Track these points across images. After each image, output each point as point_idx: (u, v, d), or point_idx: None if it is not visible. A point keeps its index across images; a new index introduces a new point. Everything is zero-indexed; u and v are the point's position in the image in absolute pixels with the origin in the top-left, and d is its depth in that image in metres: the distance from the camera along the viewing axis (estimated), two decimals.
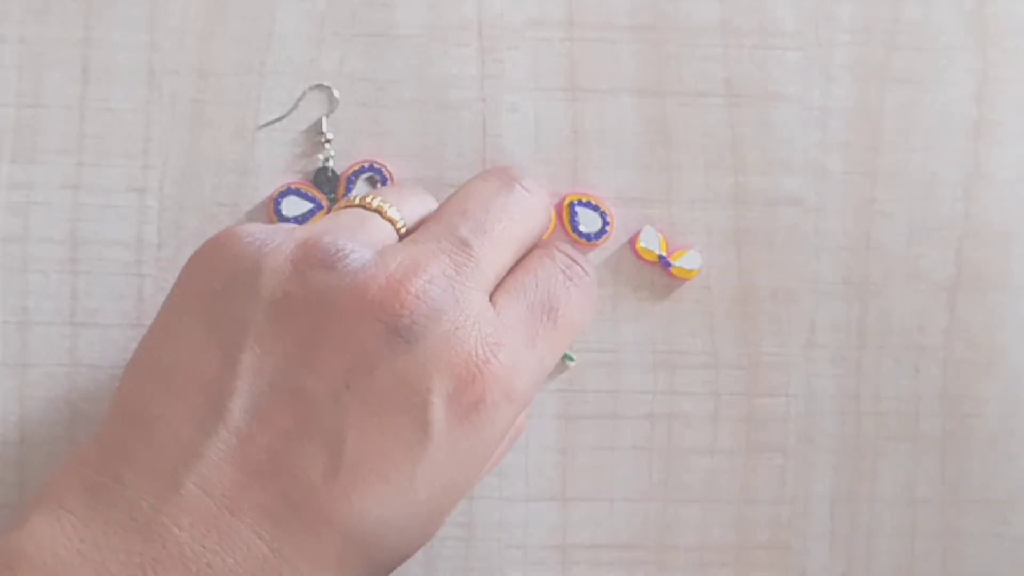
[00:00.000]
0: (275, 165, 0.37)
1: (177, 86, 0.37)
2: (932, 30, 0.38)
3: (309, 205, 0.37)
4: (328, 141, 0.37)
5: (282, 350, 0.27)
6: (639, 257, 0.37)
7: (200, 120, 0.37)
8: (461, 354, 0.28)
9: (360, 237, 0.29)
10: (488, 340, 0.28)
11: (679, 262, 0.37)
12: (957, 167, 0.38)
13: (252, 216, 0.37)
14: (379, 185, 0.37)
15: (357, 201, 0.32)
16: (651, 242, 0.37)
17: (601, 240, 0.37)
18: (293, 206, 0.37)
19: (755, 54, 0.38)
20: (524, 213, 0.32)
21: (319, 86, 0.37)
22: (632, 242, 0.37)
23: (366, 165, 0.37)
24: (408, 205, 0.32)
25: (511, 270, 0.32)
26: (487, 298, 0.30)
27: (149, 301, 0.37)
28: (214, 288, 0.28)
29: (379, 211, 0.31)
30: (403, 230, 0.31)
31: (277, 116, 0.37)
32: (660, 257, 0.37)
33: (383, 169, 0.37)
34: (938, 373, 0.37)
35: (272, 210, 0.37)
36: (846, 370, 0.37)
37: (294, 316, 0.28)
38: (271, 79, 0.37)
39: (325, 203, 0.37)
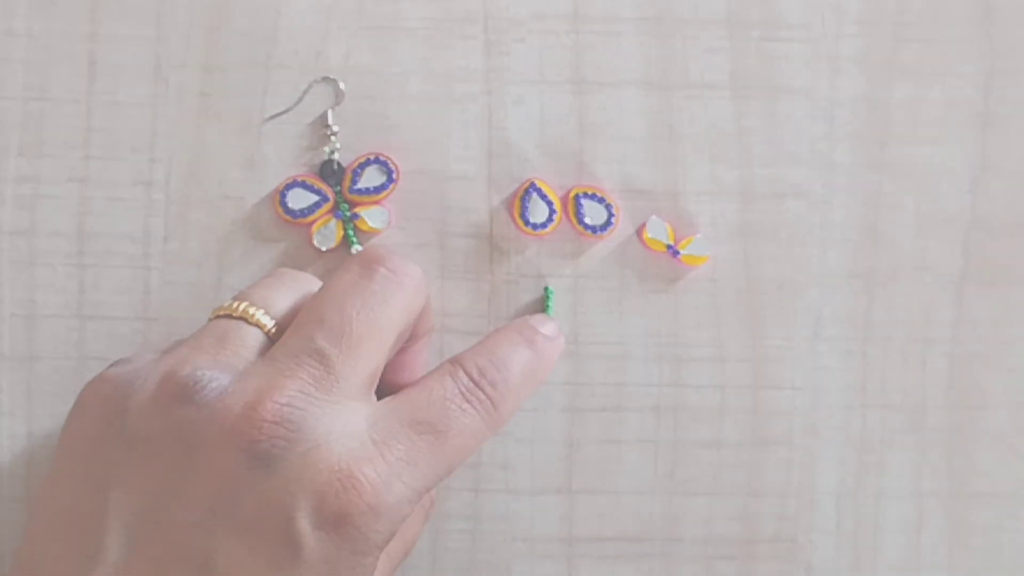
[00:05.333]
0: (281, 158, 0.37)
1: (183, 80, 0.37)
2: (939, 22, 0.38)
3: (315, 198, 0.37)
4: (334, 134, 0.37)
5: (150, 485, 0.28)
6: (647, 247, 0.37)
7: (206, 114, 0.37)
8: (323, 471, 0.28)
9: (221, 359, 0.29)
10: (353, 454, 0.28)
11: (688, 250, 0.37)
12: (964, 159, 0.38)
13: (258, 209, 0.37)
14: (385, 178, 0.37)
15: (224, 309, 0.31)
16: (658, 232, 0.37)
17: (607, 232, 0.37)
18: (299, 199, 0.37)
19: (761, 46, 0.38)
20: (387, 301, 0.30)
21: (325, 79, 0.37)
22: (639, 233, 0.37)
23: (372, 158, 0.37)
24: (280, 300, 0.31)
25: (413, 384, 0.31)
26: (356, 406, 0.29)
27: (156, 294, 0.37)
28: (88, 433, 0.30)
29: (244, 317, 0.31)
30: (273, 331, 0.31)
31: (283, 109, 0.37)
32: (668, 247, 0.37)
33: (389, 162, 0.37)
34: (945, 366, 0.37)
35: (278, 203, 0.37)
36: (852, 363, 0.37)
37: (158, 452, 0.28)
38: (277, 72, 0.37)
39: (331, 195, 0.37)
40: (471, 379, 0.31)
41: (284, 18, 0.37)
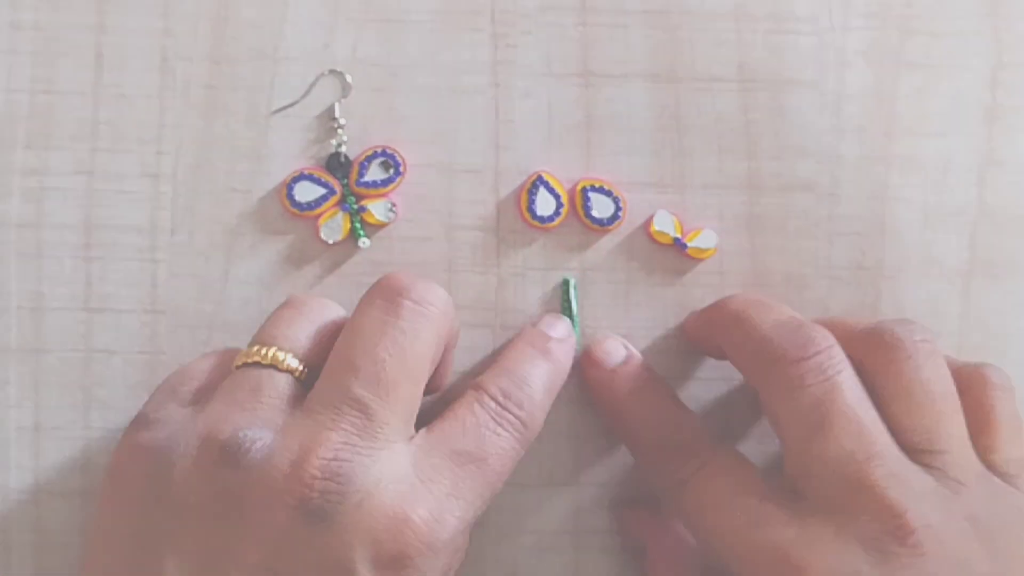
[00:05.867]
0: (288, 150, 0.37)
1: (191, 72, 0.37)
2: (946, 15, 0.38)
3: (322, 190, 0.37)
4: (341, 126, 0.37)
5: (205, 550, 0.28)
6: (654, 240, 0.37)
7: (213, 106, 0.37)
8: (378, 518, 0.28)
9: (260, 415, 0.30)
10: (405, 498, 0.29)
11: (695, 242, 0.37)
12: (971, 152, 0.38)
13: (265, 201, 0.37)
14: (392, 171, 0.37)
15: (251, 355, 0.31)
16: (665, 225, 0.37)
17: (614, 225, 0.37)
18: (306, 191, 0.37)
19: (769, 39, 0.38)
20: (418, 336, 0.31)
21: (332, 71, 0.37)
22: (646, 226, 0.37)
23: (379, 150, 0.37)
24: (303, 336, 0.31)
25: (440, 415, 0.31)
26: (399, 448, 0.30)
27: (163, 287, 0.37)
28: (133, 502, 0.30)
29: (274, 364, 0.31)
30: (303, 373, 0.31)
31: (290, 102, 0.37)
32: (675, 239, 0.37)
33: (396, 154, 0.37)
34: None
35: (285, 195, 0.37)
36: None
37: (209, 517, 0.29)
38: (284, 65, 0.37)
39: (338, 188, 0.37)
40: (498, 403, 0.32)
41: (291, 10, 0.37)
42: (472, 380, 0.32)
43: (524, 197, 0.37)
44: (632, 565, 0.37)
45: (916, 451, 0.31)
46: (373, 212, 0.37)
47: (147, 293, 0.37)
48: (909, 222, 0.37)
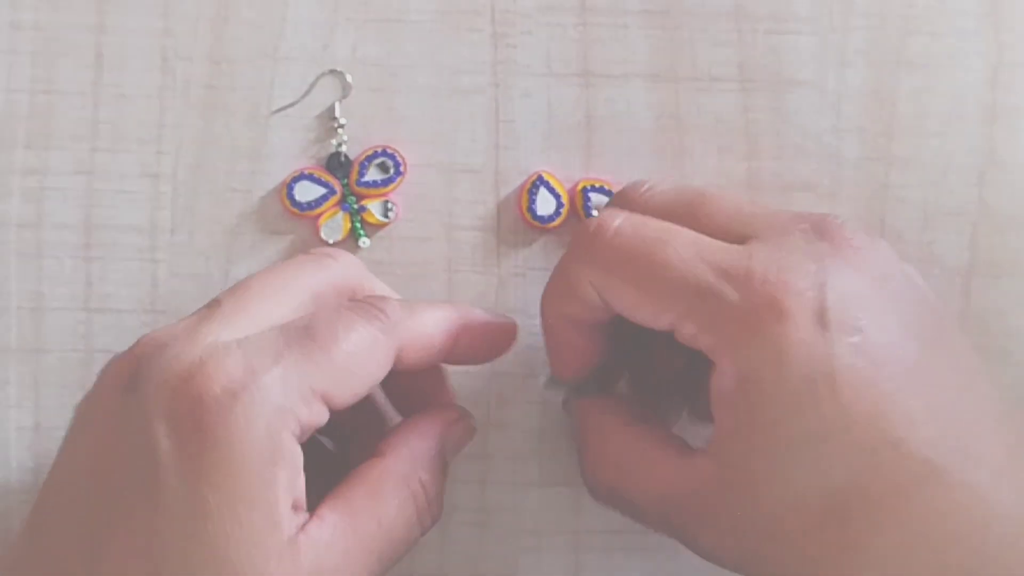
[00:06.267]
0: (288, 150, 0.37)
1: (191, 72, 0.37)
2: (946, 15, 0.38)
3: (322, 190, 0.37)
4: (341, 126, 0.37)
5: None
6: None
7: (213, 106, 0.37)
8: (175, 371, 0.27)
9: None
10: (210, 359, 0.27)
11: None
12: (971, 152, 0.38)
13: (266, 201, 0.37)
14: (392, 171, 0.37)
15: None
16: None
17: None
18: (306, 191, 0.37)
19: (769, 39, 0.37)
20: (286, 268, 0.31)
21: (332, 71, 0.37)
22: None
23: (379, 150, 0.37)
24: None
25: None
26: (230, 336, 0.28)
27: (163, 286, 0.37)
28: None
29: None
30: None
31: (290, 102, 0.37)
32: None
33: (396, 154, 0.37)
34: None
35: (285, 195, 0.37)
36: None
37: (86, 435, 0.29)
38: (284, 65, 0.37)
39: (338, 188, 0.37)
40: (366, 301, 0.30)
41: (291, 10, 0.37)
42: None
43: (524, 197, 0.37)
44: (632, 565, 0.37)
45: (734, 230, 0.30)
46: (373, 212, 0.37)
47: (147, 293, 0.37)
48: (909, 222, 0.37)
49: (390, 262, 0.37)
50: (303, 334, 0.28)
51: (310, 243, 0.37)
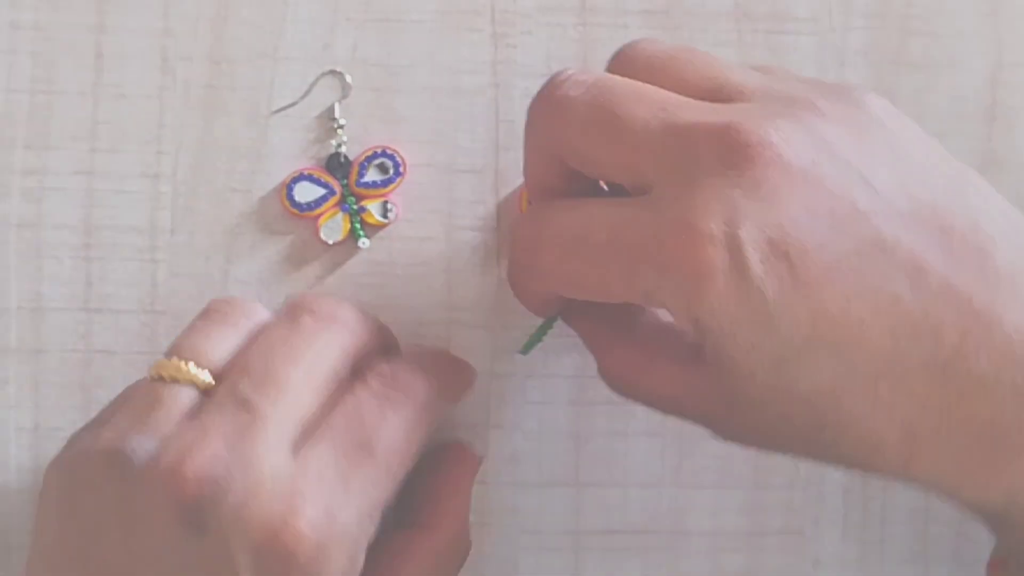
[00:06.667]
0: (288, 151, 0.37)
1: (190, 72, 0.37)
2: (946, 15, 0.38)
3: (322, 191, 0.37)
4: (341, 127, 0.37)
5: (104, 568, 0.28)
6: None
7: (213, 106, 0.37)
8: (257, 523, 0.27)
9: (151, 426, 0.28)
10: (286, 499, 0.27)
11: None
12: (971, 152, 0.38)
13: (265, 201, 0.37)
14: (392, 171, 0.37)
15: (157, 367, 0.30)
16: None
17: None
18: (306, 192, 0.37)
19: (769, 39, 0.38)
20: (312, 344, 0.30)
21: (332, 72, 0.37)
22: None
23: (379, 151, 0.37)
24: (219, 345, 0.30)
25: (339, 406, 0.30)
26: (287, 451, 0.28)
27: (163, 287, 0.37)
28: (55, 514, 0.29)
29: (175, 378, 0.29)
30: (209, 381, 0.30)
31: (290, 102, 0.37)
32: None
33: (396, 155, 0.37)
34: None
35: (285, 196, 0.37)
36: None
37: (106, 533, 0.28)
38: (284, 65, 0.37)
39: (338, 188, 0.37)
40: (381, 380, 0.31)
41: (291, 10, 0.37)
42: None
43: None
44: (632, 565, 0.37)
45: (710, 93, 0.29)
46: (373, 212, 0.37)
47: (147, 293, 0.37)
48: None
49: (390, 262, 0.37)
50: (360, 451, 0.29)
51: (310, 244, 0.37)
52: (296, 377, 0.29)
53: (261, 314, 0.31)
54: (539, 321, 0.36)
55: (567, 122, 0.29)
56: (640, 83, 0.29)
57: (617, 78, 0.30)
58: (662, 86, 0.29)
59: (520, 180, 0.37)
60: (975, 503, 0.28)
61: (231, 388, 0.29)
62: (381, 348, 0.32)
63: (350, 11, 0.37)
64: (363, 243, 0.37)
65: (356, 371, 0.31)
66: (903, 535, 0.37)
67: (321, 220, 0.37)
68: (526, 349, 0.36)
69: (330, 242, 0.37)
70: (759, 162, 0.27)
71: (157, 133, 0.37)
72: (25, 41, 0.37)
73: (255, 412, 0.28)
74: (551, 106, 0.30)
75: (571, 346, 0.37)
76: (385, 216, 0.37)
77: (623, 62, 0.31)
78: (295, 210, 0.37)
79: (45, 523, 0.30)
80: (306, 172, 0.37)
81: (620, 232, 0.28)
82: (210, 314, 0.31)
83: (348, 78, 0.37)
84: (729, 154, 0.27)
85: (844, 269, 0.27)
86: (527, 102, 0.37)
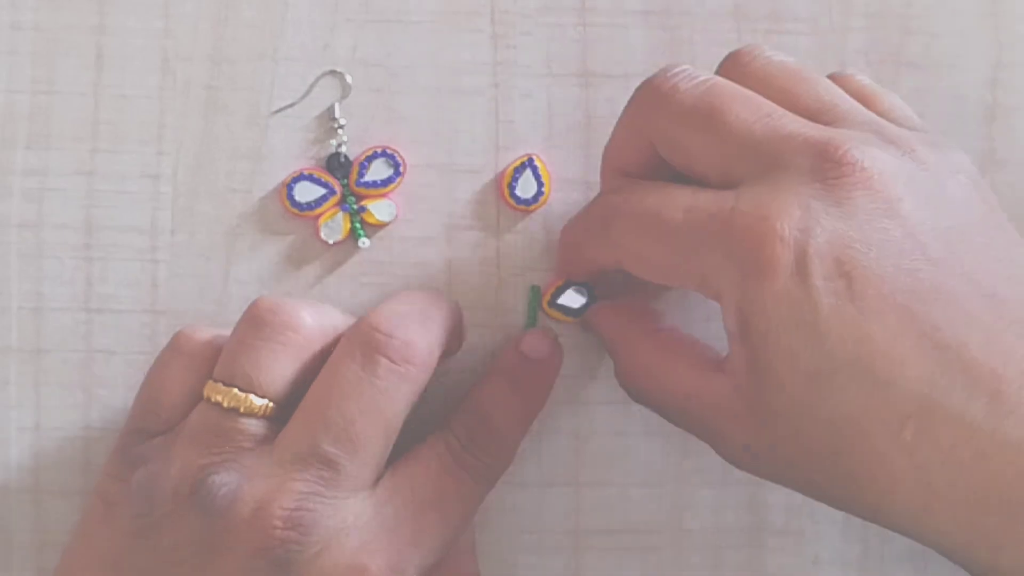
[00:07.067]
0: (288, 151, 0.37)
1: (191, 72, 0.37)
2: (946, 15, 0.38)
3: (322, 191, 0.37)
4: (341, 127, 0.37)
5: None
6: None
7: (214, 106, 0.37)
8: (337, 569, 0.29)
9: (227, 457, 0.30)
10: (364, 548, 0.29)
11: None
12: (971, 152, 0.37)
13: (265, 201, 0.37)
14: (392, 171, 0.37)
15: (215, 391, 0.31)
16: None
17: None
18: (306, 192, 0.37)
19: (768, 39, 0.38)
20: (392, 397, 0.30)
21: (332, 72, 0.37)
22: None
23: (379, 151, 0.37)
24: (275, 368, 0.31)
25: (406, 455, 0.32)
26: (363, 496, 0.30)
27: (163, 287, 0.37)
28: (116, 532, 0.30)
29: (235, 408, 0.30)
30: (270, 409, 0.31)
31: (290, 102, 0.37)
32: None
33: (396, 155, 0.37)
34: None
35: (285, 196, 0.37)
36: None
37: (180, 562, 0.29)
38: (284, 65, 0.37)
39: (338, 188, 0.37)
40: (462, 446, 0.32)
41: (291, 11, 0.37)
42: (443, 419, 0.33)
43: (508, 174, 0.37)
44: (632, 565, 0.37)
45: (816, 114, 0.30)
46: (373, 212, 0.37)
47: (147, 293, 0.37)
48: None
49: (390, 262, 0.37)
50: (432, 510, 0.31)
51: (310, 244, 0.37)
52: (375, 434, 0.30)
53: (308, 326, 0.32)
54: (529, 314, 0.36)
55: (671, 110, 0.30)
56: (750, 91, 0.30)
57: (728, 82, 0.31)
58: (771, 98, 0.30)
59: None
60: (984, 565, 0.28)
61: (311, 440, 0.30)
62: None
63: (350, 11, 0.37)
64: (363, 243, 0.37)
65: None
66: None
67: (321, 220, 0.37)
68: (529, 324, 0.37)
69: (330, 242, 0.37)
70: (847, 182, 0.28)
71: (157, 133, 0.37)
72: (25, 41, 0.37)
73: (337, 467, 0.30)
74: (658, 94, 0.31)
75: (571, 346, 0.37)
76: (385, 216, 0.37)
77: (736, 66, 0.32)
78: (295, 210, 0.37)
79: (107, 533, 0.31)
80: (306, 172, 0.37)
81: (696, 214, 0.29)
82: (257, 326, 0.31)
83: (348, 78, 0.37)
84: (821, 167, 0.28)
85: (899, 306, 0.27)
86: (527, 102, 0.37)
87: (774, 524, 0.37)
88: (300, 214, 0.37)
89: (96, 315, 0.37)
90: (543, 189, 0.37)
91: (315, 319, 0.32)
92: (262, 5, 0.37)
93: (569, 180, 0.37)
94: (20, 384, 0.36)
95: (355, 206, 0.37)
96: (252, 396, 0.31)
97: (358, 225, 0.37)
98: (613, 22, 0.37)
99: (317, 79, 0.37)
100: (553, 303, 0.36)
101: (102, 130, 0.37)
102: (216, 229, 0.37)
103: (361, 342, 0.31)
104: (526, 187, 0.37)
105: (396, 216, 0.37)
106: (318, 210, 0.37)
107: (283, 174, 0.37)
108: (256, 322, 0.31)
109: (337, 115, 0.37)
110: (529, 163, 0.37)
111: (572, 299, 0.36)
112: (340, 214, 0.37)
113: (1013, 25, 0.38)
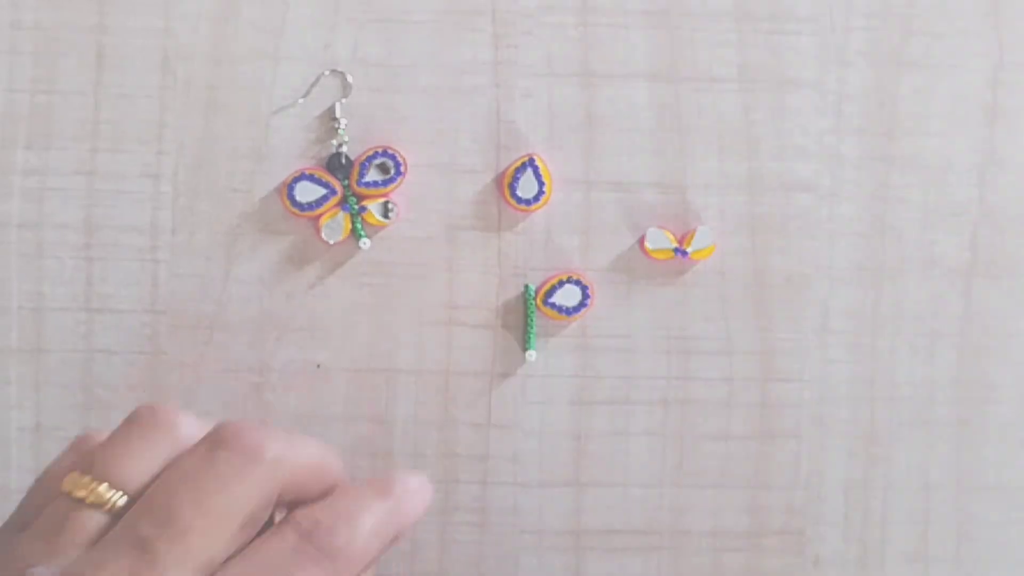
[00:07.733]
0: (289, 150, 0.37)
1: (191, 72, 0.37)
2: (947, 15, 0.38)
3: (323, 191, 0.37)
4: (342, 127, 0.37)
5: None
6: (652, 258, 0.37)
7: (214, 106, 0.37)
8: None
9: (58, 550, 0.27)
10: None
11: (693, 246, 0.37)
12: (972, 152, 0.38)
13: (266, 201, 0.37)
14: (392, 171, 0.37)
15: (69, 482, 0.28)
16: (659, 241, 0.37)
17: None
18: (306, 191, 0.37)
19: (770, 39, 0.37)
20: (226, 485, 0.27)
21: (333, 72, 0.37)
22: (640, 244, 0.37)
23: (380, 151, 0.37)
24: (137, 462, 0.28)
25: (250, 545, 0.28)
26: None
27: (163, 287, 0.37)
28: None
29: (83, 500, 0.28)
30: (120, 503, 0.28)
31: (291, 102, 0.37)
32: (675, 250, 0.37)
33: (396, 155, 0.37)
34: (953, 359, 0.37)
35: (286, 195, 0.37)
36: (860, 356, 0.37)
37: None
38: (285, 65, 0.37)
39: (338, 188, 0.37)
40: (301, 536, 0.28)
41: (292, 10, 0.37)
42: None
43: (509, 174, 0.37)
44: (632, 565, 0.37)
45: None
46: (374, 212, 0.37)
47: (147, 293, 0.37)
48: (910, 222, 0.37)
49: (390, 262, 0.37)
50: None
51: (311, 244, 0.37)
52: (200, 522, 0.27)
53: (187, 429, 0.29)
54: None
55: None
56: None
57: None
58: None
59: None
60: None
61: (131, 525, 0.27)
62: (319, 484, 0.30)
63: (351, 11, 0.37)
64: (364, 243, 0.37)
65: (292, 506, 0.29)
66: (903, 536, 0.37)
67: (322, 220, 0.37)
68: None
69: (331, 242, 0.37)
70: None
71: (158, 133, 0.37)
72: (26, 41, 0.37)
73: (152, 554, 0.27)
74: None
75: (571, 346, 0.37)
76: (386, 216, 0.37)
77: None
78: (296, 210, 0.37)
79: None
80: (307, 172, 0.37)
81: None
82: (133, 424, 0.30)
83: (349, 78, 0.37)
84: None
85: None
86: (528, 102, 0.37)
87: (773, 525, 0.37)
88: (301, 214, 0.37)
89: (96, 315, 0.37)
90: (544, 189, 0.37)
91: (193, 424, 0.30)
92: (263, 5, 0.37)
93: (570, 180, 0.37)
94: (20, 384, 0.36)
95: (356, 206, 0.37)
96: (105, 486, 0.28)
97: (359, 225, 0.37)
98: (614, 22, 0.37)
99: (318, 79, 0.37)
100: (546, 301, 0.36)
101: (102, 130, 0.37)
102: (216, 229, 0.37)
103: (208, 439, 0.29)
104: (527, 187, 0.37)
105: (396, 216, 0.37)
106: (319, 210, 0.37)
107: (284, 174, 0.37)
108: (133, 418, 0.30)
109: (338, 115, 0.37)
110: (530, 163, 0.37)
111: (566, 297, 0.36)
112: (341, 214, 0.37)
113: (1013, 25, 0.38)
